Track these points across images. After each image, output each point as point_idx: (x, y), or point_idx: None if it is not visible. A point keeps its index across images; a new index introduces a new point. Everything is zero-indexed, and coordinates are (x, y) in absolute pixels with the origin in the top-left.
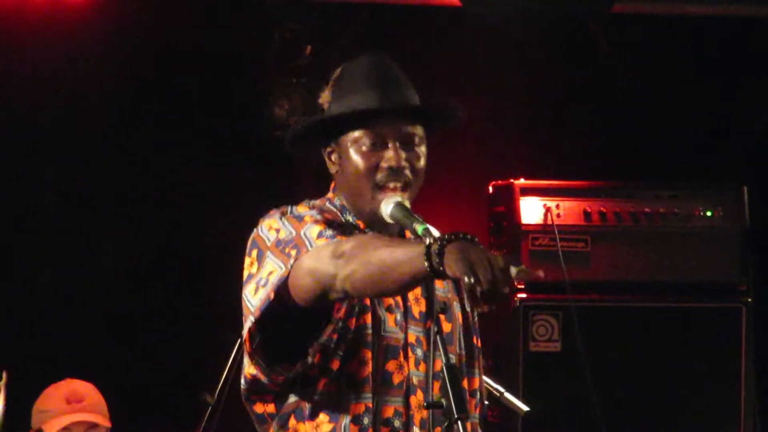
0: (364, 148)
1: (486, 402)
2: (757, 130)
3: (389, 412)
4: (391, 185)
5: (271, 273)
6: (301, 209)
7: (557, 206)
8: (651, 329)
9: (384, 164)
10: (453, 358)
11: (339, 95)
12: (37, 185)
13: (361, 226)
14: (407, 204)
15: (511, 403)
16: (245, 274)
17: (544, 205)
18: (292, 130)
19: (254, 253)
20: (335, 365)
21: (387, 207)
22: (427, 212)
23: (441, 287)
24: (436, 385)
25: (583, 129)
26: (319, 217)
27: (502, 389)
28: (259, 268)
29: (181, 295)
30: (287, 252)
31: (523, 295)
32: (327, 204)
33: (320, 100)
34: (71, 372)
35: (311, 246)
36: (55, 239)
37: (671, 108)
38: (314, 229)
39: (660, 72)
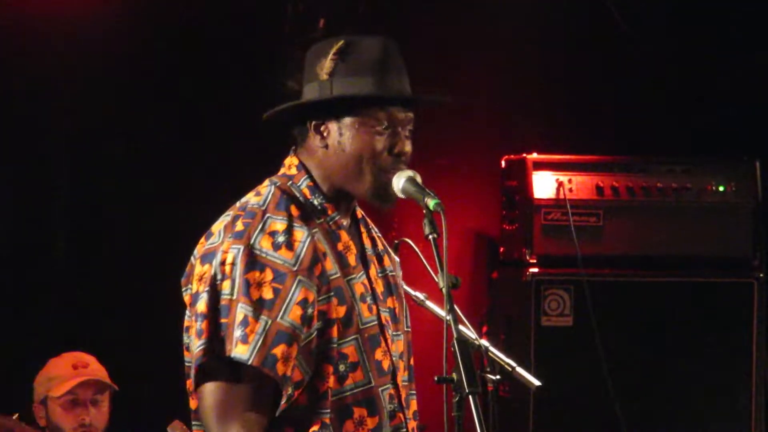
0: (379, 129)
1: (497, 376)
2: None
3: (387, 398)
4: (396, 171)
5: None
6: (265, 244)
7: (570, 181)
8: (663, 303)
9: (396, 149)
10: (402, 337)
11: (353, 71)
12: (49, 169)
13: (330, 210)
14: (419, 179)
15: (523, 377)
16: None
17: (557, 179)
18: (297, 103)
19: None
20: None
21: (399, 181)
22: (440, 186)
23: (388, 265)
24: (401, 365)
25: (595, 104)
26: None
27: (513, 364)
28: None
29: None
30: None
31: (535, 270)
32: (290, 186)
33: (318, 70)
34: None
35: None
36: (68, 223)
37: (684, 83)
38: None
39: (674, 46)
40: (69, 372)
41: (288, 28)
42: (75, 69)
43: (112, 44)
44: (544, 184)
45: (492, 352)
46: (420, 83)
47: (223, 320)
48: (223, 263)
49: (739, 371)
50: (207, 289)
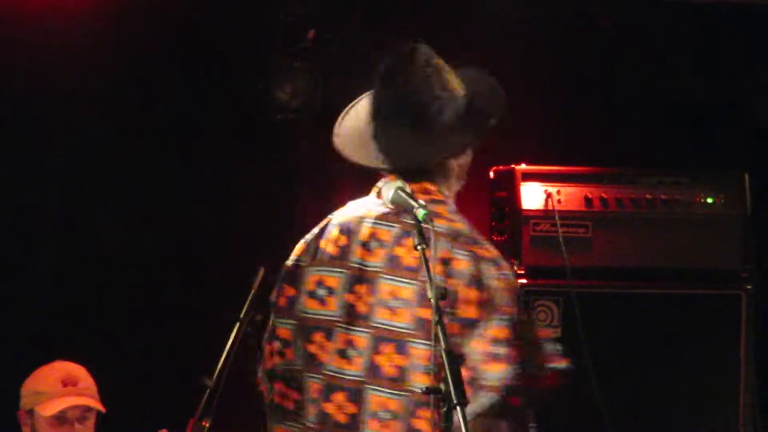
0: None
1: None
2: (759, 116)
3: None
4: None
5: None
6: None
7: (558, 192)
8: (651, 315)
9: None
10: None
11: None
12: (39, 176)
13: None
14: (408, 189)
15: None
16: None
17: (545, 190)
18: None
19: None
20: None
21: (388, 192)
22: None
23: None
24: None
25: (585, 115)
26: None
27: None
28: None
29: (181, 278)
30: None
31: (524, 281)
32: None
33: (452, 87)
34: (70, 355)
35: None
36: (56, 225)
37: (674, 94)
38: None
39: (664, 58)
40: (58, 389)
41: (278, 39)
42: (70, 71)
43: (104, 49)
44: (532, 195)
45: None
46: None
47: None
48: None
49: (727, 383)
50: None
